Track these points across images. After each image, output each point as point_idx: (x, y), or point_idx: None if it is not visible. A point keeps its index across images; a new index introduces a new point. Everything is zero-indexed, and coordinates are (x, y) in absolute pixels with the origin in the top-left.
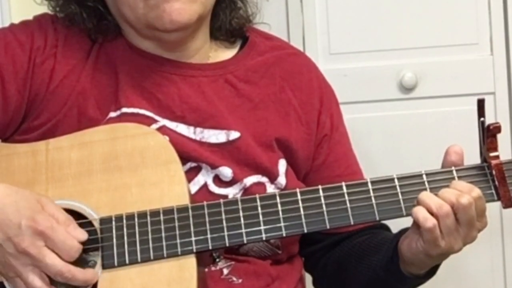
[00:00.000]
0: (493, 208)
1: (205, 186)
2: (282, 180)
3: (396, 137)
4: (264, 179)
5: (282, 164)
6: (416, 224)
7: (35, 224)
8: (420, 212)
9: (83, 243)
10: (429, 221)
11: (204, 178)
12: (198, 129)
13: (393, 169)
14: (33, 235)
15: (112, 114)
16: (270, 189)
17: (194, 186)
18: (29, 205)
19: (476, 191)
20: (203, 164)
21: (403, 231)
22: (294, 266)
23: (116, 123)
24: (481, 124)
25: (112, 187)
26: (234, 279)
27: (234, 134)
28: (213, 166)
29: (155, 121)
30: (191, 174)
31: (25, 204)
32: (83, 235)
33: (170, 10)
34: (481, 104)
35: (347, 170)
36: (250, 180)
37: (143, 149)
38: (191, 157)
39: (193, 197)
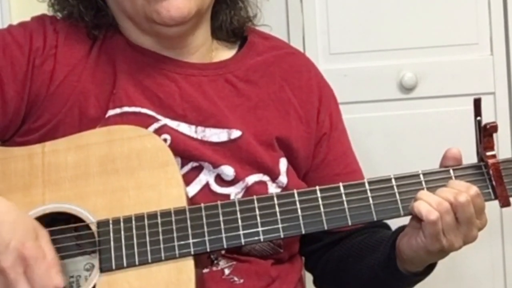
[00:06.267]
0: (493, 209)
1: (207, 185)
2: (283, 179)
3: (396, 137)
4: (265, 178)
5: (283, 163)
6: (416, 220)
7: (23, 248)
8: (422, 205)
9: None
10: (433, 214)
11: (205, 177)
12: (200, 128)
13: (393, 169)
14: (16, 259)
15: (111, 112)
16: (272, 188)
17: (196, 186)
18: (25, 230)
19: (474, 189)
20: (204, 163)
21: (400, 229)
22: (294, 266)
23: (112, 126)
24: (478, 123)
25: (109, 190)
26: (236, 279)
27: (236, 133)
28: (215, 165)
29: (157, 120)
30: (192, 174)
31: (22, 227)
32: (60, 283)
33: (169, 7)
34: (477, 103)
35: (347, 168)
36: (251, 179)
37: (140, 152)
38: (192, 156)
39: (195, 197)
